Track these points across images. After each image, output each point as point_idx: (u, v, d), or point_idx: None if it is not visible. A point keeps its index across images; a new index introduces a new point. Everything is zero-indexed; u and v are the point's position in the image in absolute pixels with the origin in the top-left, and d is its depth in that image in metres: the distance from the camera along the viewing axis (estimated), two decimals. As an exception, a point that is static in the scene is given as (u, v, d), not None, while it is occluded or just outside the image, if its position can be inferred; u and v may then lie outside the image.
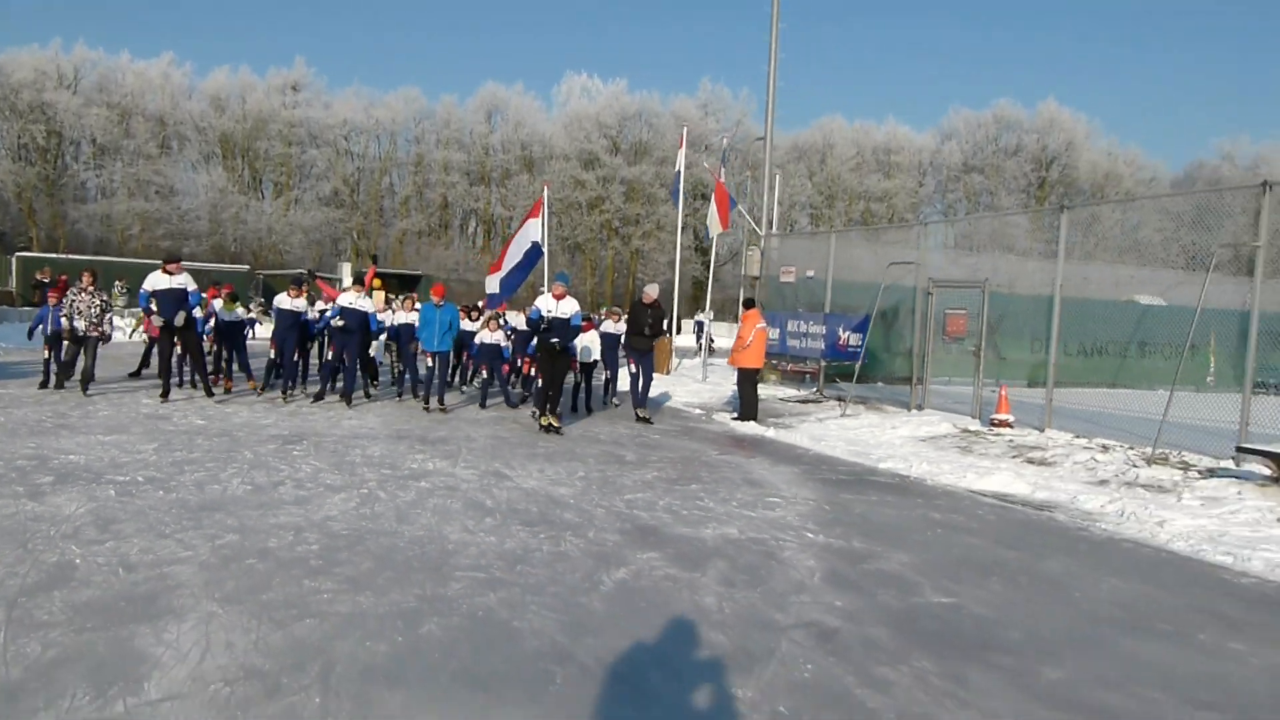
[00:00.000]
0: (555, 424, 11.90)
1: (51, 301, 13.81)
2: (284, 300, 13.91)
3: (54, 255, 42.31)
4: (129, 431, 9.90)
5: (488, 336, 14.44)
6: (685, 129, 28.27)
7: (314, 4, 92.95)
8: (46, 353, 13.91)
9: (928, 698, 3.94)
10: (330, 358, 13.97)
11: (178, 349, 13.15)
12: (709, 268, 26.23)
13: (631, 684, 3.95)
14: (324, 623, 4.43)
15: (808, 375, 19.58)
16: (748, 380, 14.40)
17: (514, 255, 17.55)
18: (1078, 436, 12.37)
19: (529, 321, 12.56)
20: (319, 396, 13.72)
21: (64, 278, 25.99)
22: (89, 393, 12.82)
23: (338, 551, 5.65)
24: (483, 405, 14.26)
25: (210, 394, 13.36)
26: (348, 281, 44.23)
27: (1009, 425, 13.24)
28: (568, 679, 3.94)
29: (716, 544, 6.39)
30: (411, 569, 5.38)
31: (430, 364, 13.72)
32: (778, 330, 19.57)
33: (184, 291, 12.69)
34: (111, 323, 13.82)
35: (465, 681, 3.85)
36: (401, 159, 65.45)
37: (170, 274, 12.66)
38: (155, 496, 6.88)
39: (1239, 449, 9.65)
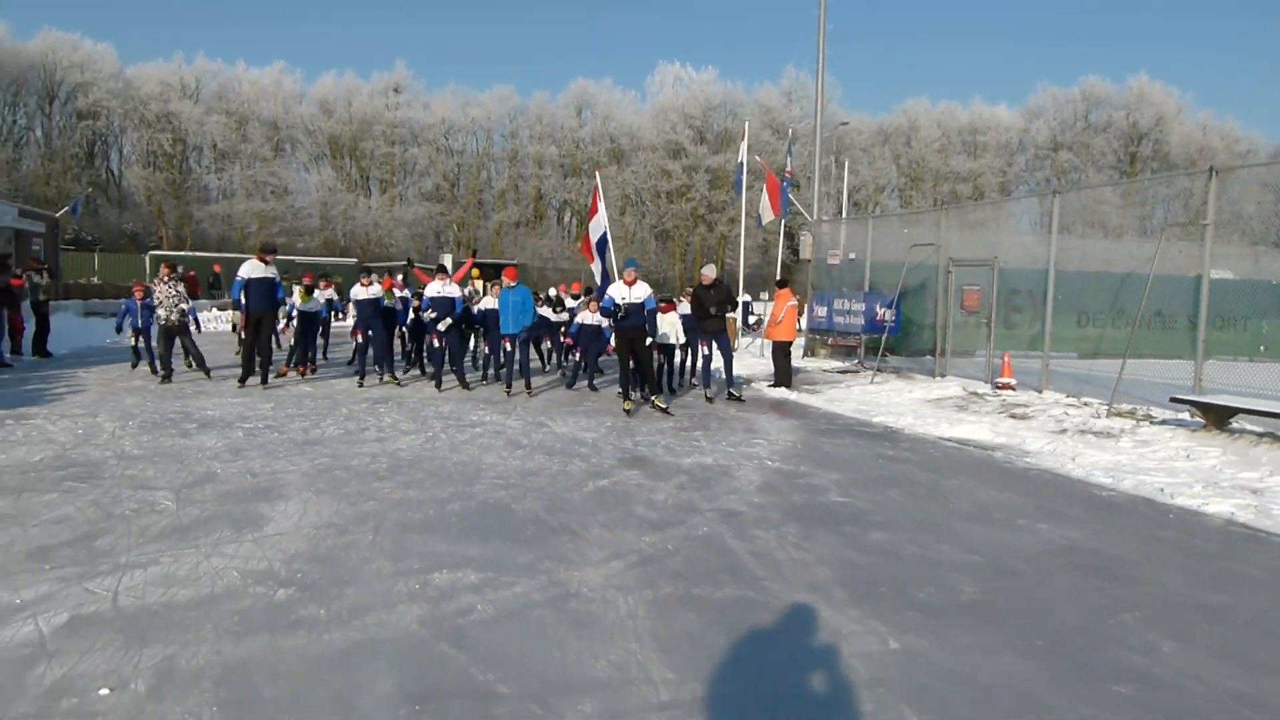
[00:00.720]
0: (662, 405, 12.18)
1: (137, 295, 14.76)
2: (359, 291, 14.30)
3: (181, 253, 46.22)
4: (250, 395, 12.27)
5: (588, 317, 14.52)
6: (747, 123, 29.53)
7: (412, 9, 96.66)
8: (133, 339, 14.97)
9: (776, 545, 5.78)
10: (432, 344, 14.33)
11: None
12: (796, 251, 27.60)
13: (577, 535, 5.88)
14: (381, 504, 6.49)
15: (854, 349, 21.14)
16: (781, 351, 16.11)
17: (594, 242, 18.38)
18: (1069, 397, 13.81)
19: (603, 310, 12.85)
20: (437, 382, 13.99)
21: (193, 273, 29.08)
22: (210, 376, 14.10)
23: (400, 468, 7.74)
24: (570, 385, 14.53)
25: (266, 381, 13.56)
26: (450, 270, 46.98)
27: (1011, 388, 14.72)
28: (536, 532, 5.91)
29: (688, 467, 8.28)
30: (450, 477, 7.42)
31: (509, 348, 13.77)
32: (825, 308, 21.25)
33: (274, 281, 13.33)
34: (190, 313, 14.33)
35: (469, 533, 5.85)
36: (497, 154, 68.40)
37: (266, 264, 13.26)
38: (271, 436, 9.12)
39: (1171, 399, 11.07)
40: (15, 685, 3.48)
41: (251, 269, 13.14)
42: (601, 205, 18.15)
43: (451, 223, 66.80)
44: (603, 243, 18.23)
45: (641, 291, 12.18)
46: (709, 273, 14.01)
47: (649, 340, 12.26)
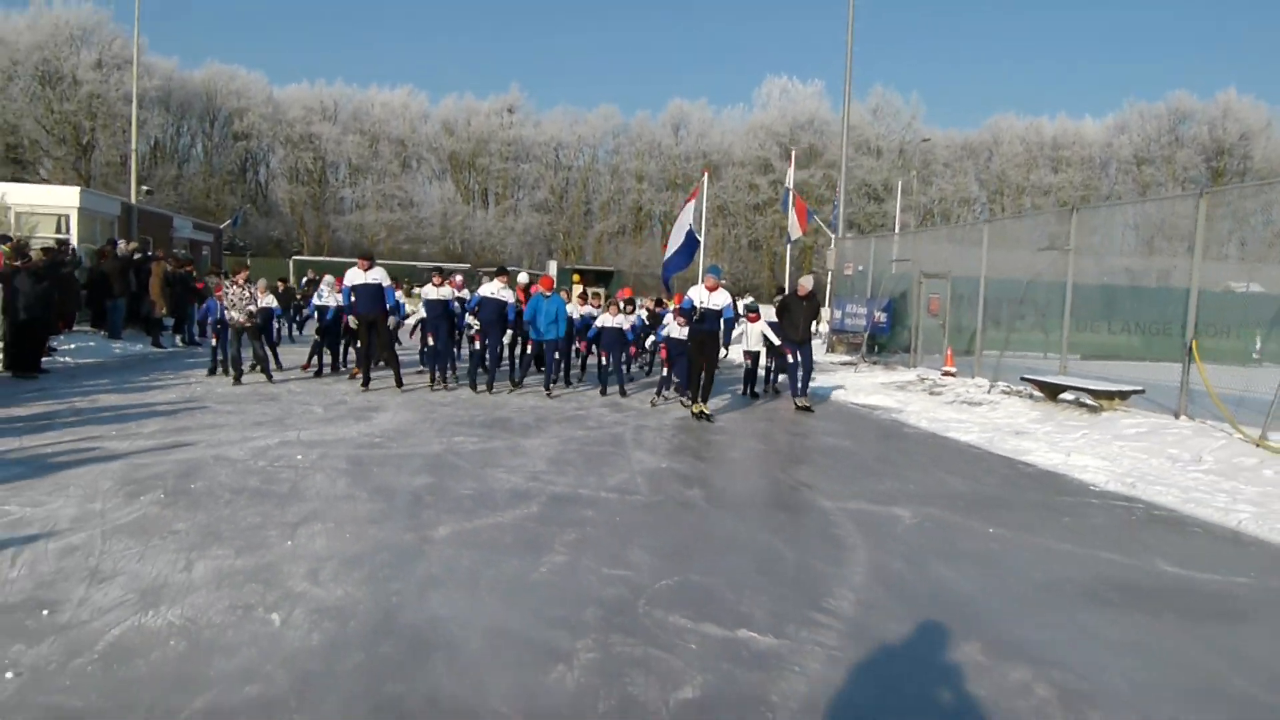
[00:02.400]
0: (706, 412, 12.14)
1: (218, 296, 14.71)
2: (430, 290, 14.14)
3: (319, 258, 52.25)
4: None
5: (609, 320, 14.52)
6: (794, 151, 33.29)
7: (527, 35, 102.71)
8: (214, 341, 14.97)
9: (679, 440, 10.04)
10: (475, 347, 14.50)
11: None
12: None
13: (528, 426, 10.24)
14: (455, 437, 10.96)
15: (858, 345, 24.97)
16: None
17: (675, 239, 17.76)
18: (994, 383, 17.51)
19: (682, 311, 12.72)
20: (489, 386, 14.09)
21: (327, 275, 34.38)
22: (274, 380, 14.14)
23: (476, 424, 12.22)
24: (603, 391, 14.53)
25: (400, 384, 13.73)
26: (553, 275, 51.82)
27: (952, 375, 18.46)
28: (520, 425, 10.29)
29: (654, 421, 12.56)
30: (510, 429, 11.87)
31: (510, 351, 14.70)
32: (841, 312, 25.18)
33: (379, 286, 13.43)
34: (275, 314, 14.77)
35: (485, 426, 10.26)
36: (600, 169, 73.38)
37: (365, 270, 13.40)
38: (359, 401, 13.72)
39: (1022, 379, 14.82)
40: (260, 458, 7.98)
41: (354, 276, 13.46)
42: (692, 204, 17.69)
43: (558, 232, 72.05)
44: (692, 239, 17.45)
45: (721, 299, 12.13)
46: (806, 284, 14.16)
47: (721, 350, 12.47)
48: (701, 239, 17.29)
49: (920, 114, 73.90)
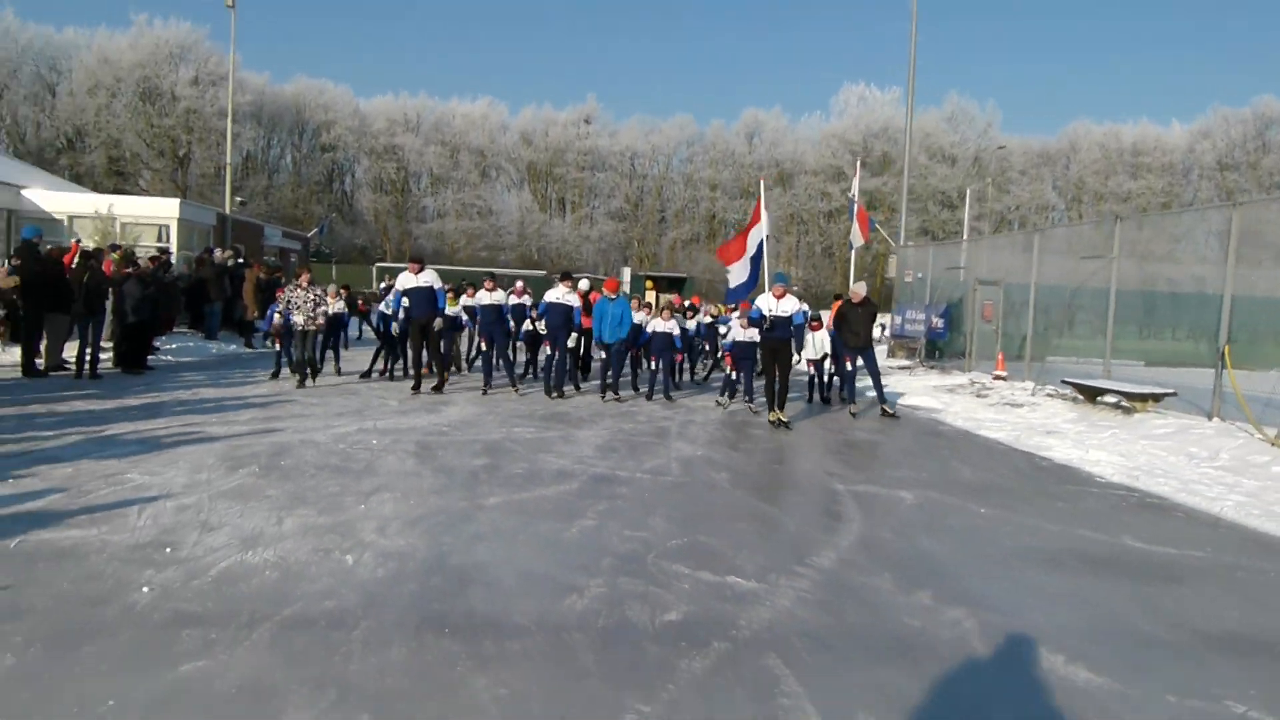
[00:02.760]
0: (784, 419, 11.88)
1: (279, 298, 14.58)
2: (483, 296, 14.14)
3: (401, 265, 54.06)
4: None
5: (659, 325, 14.41)
6: (859, 161, 33.80)
7: (605, 47, 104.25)
8: (277, 345, 15.05)
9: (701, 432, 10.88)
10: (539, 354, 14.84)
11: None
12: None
13: (609, 451, 11.16)
14: (515, 428, 11.94)
15: (915, 349, 25.45)
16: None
17: (742, 259, 16.81)
18: (1038, 386, 17.94)
19: (751, 320, 12.59)
20: (560, 393, 13.95)
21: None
22: (311, 384, 13.77)
23: (536, 417, 13.21)
24: (649, 396, 14.43)
25: (440, 389, 13.69)
26: (626, 282, 52.97)
27: (1003, 379, 18.92)
28: (576, 418, 11.22)
29: (701, 417, 13.41)
30: (566, 421, 12.82)
31: (603, 355, 14.23)
32: (901, 317, 25.69)
33: (431, 289, 13.50)
34: (326, 315, 14.32)
35: (542, 419, 11.22)
36: (674, 177, 74.39)
37: (416, 273, 13.51)
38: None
39: (1062, 381, 15.29)
40: (340, 442, 9.01)
41: (405, 280, 13.61)
42: (765, 214, 16.54)
43: (633, 239, 73.25)
44: (759, 252, 16.65)
45: (790, 305, 12.04)
46: (859, 290, 14.07)
47: (794, 356, 12.27)
48: (765, 252, 16.45)
49: (996, 120, 73.51)
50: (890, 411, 13.44)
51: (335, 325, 15.89)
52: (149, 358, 15.25)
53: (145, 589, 4.52)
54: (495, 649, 3.98)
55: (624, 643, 4.14)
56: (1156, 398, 13.43)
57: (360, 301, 21.47)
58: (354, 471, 7.54)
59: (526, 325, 15.27)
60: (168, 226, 25.65)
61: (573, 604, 4.60)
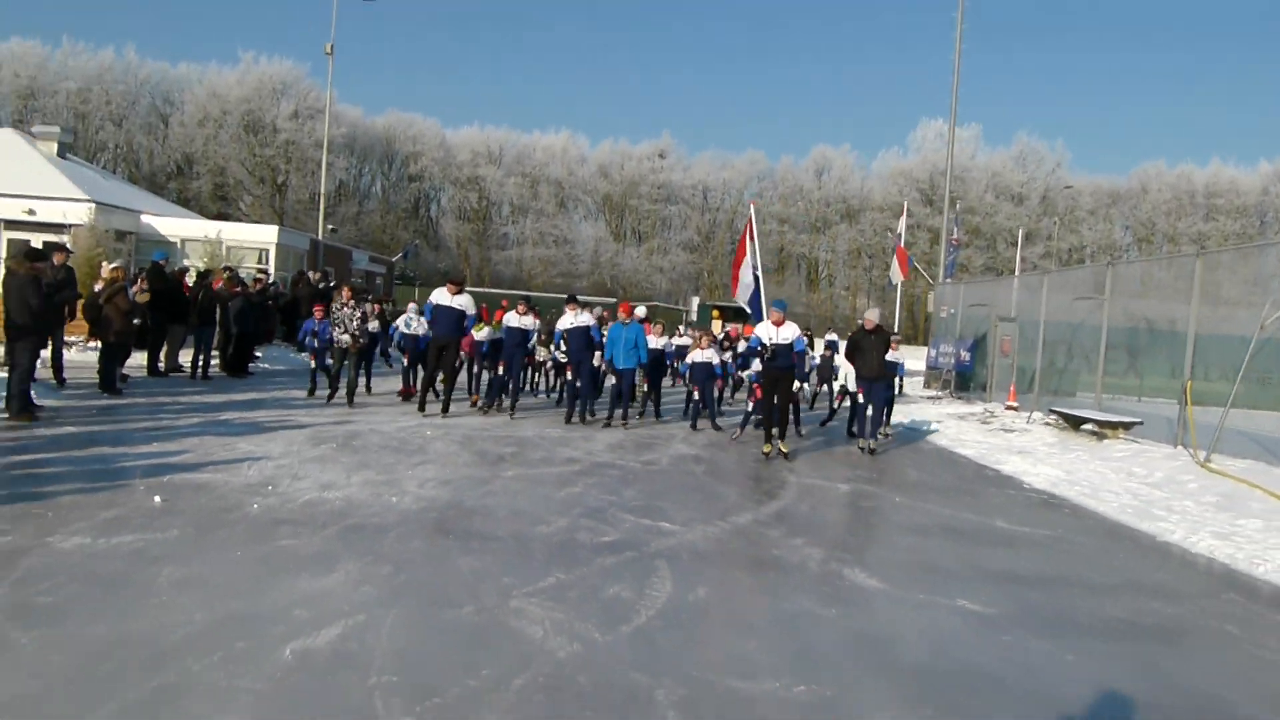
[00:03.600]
0: (784, 450, 11.61)
1: (318, 316, 14.64)
2: (512, 318, 13.99)
3: (480, 289, 56.91)
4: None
5: (699, 355, 14.26)
6: (906, 203, 35.37)
7: (679, 84, 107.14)
8: (312, 362, 15.03)
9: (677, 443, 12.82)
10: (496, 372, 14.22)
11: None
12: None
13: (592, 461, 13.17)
14: (545, 429, 14.02)
15: (947, 381, 26.97)
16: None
17: (745, 281, 16.12)
18: (1032, 415, 19.41)
19: (749, 349, 12.37)
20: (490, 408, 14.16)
21: (484, 306, 38.40)
22: (354, 405, 13.62)
23: (563, 423, 15.28)
24: (694, 426, 14.14)
25: (446, 410, 13.34)
26: (693, 310, 54.90)
27: (1014, 409, 20.43)
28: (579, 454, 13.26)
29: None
30: (589, 426, 14.88)
31: (615, 381, 13.84)
32: (935, 351, 27.26)
33: (462, 312, 13.14)
34: (367, 332, 14.26)
35: (535, 414, 13.27)
36: (744, 211, 76.48)
37: (454, 294, 13.13)
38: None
39: (1050, 410, 16.83)
40: (401, 432, 11.16)
41: (439, 296, 13.25)
42: (751, 244, 15.95)
43: (703, 270, 75.39)
44: (755, 285, 15.93)
45: (788, 333, 11.74)
46: (872, 316, 13.29)
47: (795, 384, 12.03)
48: (760, 275, 15.77)
49: (1065, 160, 74.06)
50: (868, 448, 12.74)
51: (372, 344, 15.62)
52: (250, 365, 17.71)
53: (255, 506, 6.69)
54: (478, 546, 6.06)
55: (566, 549, 6.17)
56: (1126, 426, 14.97)
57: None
58: (408, 451, 9.72)
59: (544, 353, 15.95)
60: (267, 250, 28.50)
61: (541, 530, 6.64)
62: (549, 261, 72.51)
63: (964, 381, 25.50)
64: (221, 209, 62.40)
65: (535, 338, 14.53)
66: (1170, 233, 70.66)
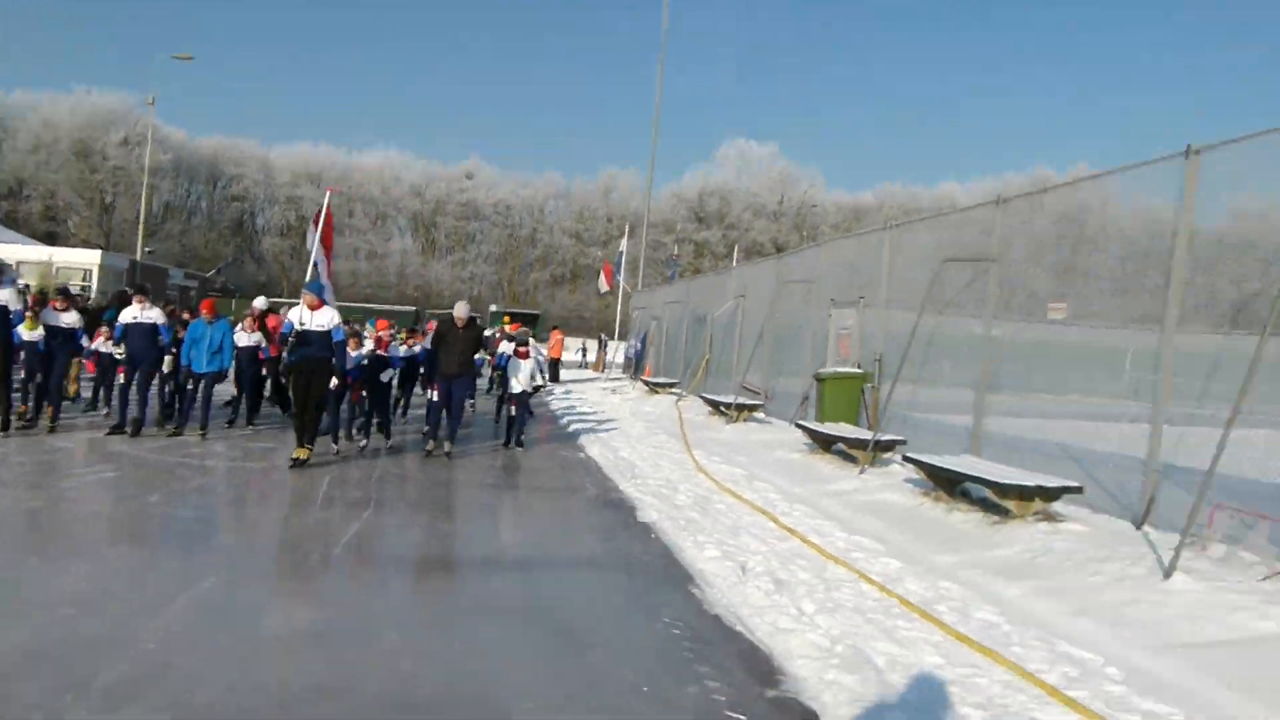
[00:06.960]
0: (303, 458, 10.70)
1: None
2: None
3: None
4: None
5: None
6: (628, 225, 43.12)
7: (486, 114, 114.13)
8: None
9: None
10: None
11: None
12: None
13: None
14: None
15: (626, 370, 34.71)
16: (554, 364, 29.81)
17: (320, 260, 16.15)
18: (634, 380, 27.10)
19: (281, 336, 11.27)
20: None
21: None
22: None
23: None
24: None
25: (176, 430, 12.49)
26: (485, 316, 61.25)
27: (650, 384, 28.09)
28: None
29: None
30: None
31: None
32: (627, 343, 35.06)
33: (154, 325, 12.14)
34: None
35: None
36: (540, 227, 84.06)
37: (142, 305, 12.12)
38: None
39: (796, 424, 24.54)
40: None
41: (126, 313, 12.24)
42: (314, 230, 16.06)
43: (503, 280, 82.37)
44: (319, 261, 16.11)
45: (325, 318, 10.49)
46: (461, 310, 12.19)
47: (332, 378, 10.65)
48: (313, 258, 16.02)
49: (820, 182, 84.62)
50: (435, 450, 12.18)
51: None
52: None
53: (326, 481, 13.26)
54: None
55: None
56: (752, 409, 17.96)
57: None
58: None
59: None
60: (91, 270, 33.83)
61: (474, 480, 13.44)
62: (359, 274, 77.80)
63: (640, 365, 33.27)
64: (49, 228, 65.56)
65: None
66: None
